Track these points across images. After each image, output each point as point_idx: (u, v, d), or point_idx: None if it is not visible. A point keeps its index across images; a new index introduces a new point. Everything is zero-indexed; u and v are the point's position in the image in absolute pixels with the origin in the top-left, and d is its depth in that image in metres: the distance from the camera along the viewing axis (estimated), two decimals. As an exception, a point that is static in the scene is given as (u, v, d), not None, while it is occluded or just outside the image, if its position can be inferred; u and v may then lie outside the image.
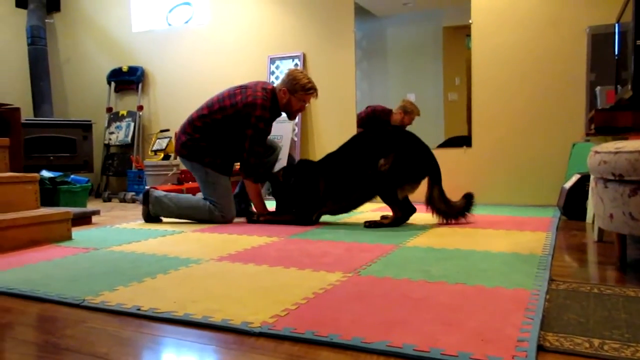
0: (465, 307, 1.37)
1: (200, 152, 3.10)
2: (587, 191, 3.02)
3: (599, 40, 3.56)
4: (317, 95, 3.21)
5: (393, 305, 1.40)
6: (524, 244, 2.28)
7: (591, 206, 2.81)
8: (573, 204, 3.13)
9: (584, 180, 3.08)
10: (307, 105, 3.25)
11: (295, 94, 3.12)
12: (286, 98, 3.13)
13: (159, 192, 3.21)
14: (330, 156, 3.06)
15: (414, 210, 3.00)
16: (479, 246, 2.25)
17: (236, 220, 3.21)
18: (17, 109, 3.40)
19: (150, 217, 3.21)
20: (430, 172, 2.93)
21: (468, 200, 2.98)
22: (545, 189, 3.89)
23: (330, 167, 3.00)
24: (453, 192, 4.15)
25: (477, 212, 3.49)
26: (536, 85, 3.92)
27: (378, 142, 2.91)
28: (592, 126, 2.33)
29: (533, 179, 3.95)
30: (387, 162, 2.83)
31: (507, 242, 2.33)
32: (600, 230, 2.40)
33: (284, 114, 3.25)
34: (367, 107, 4.52)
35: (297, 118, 4.56)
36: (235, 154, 3.17)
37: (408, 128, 4.34)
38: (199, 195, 3.26)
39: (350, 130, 4.47)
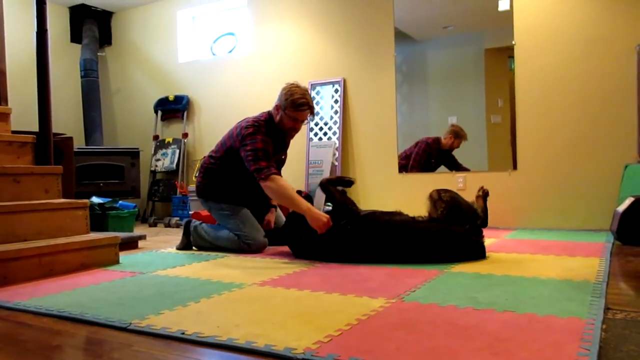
0: (515, 337, 1.31)
1: (216, 191, 3.01)
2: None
3: (649, 58, 3.44)
4: (312, 112, 2.88)
5: (439, 333, 1.36)
6: (576, 270, 2.18)
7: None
8: (627, 228, 2.99)
9: (638, 203, 2.94)
10: (302, 124, 2.92)
11: (285, 111, 2.81)
12: (279, 115, 2.85)
13: (196, 222, 3.17)
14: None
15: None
16: (528, 272, 2.16)
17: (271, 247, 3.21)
18: (70, 138, 3.56)
19: (185, 247, 3.13)
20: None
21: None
22: (596, 212, 3.73)
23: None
24: (498, 217, 4.03)
25: (525, 237, 3.39)
26: (584, 106, 3.80)
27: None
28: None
29: (583, 203, 3.80)
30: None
31: (557, 268, 2.24)
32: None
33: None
34: (417, 143, 4.41)
35: (337, 142, 4.60)
36: (250, 190, 2.95)
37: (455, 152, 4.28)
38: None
39: (391, 154, 4.45)
